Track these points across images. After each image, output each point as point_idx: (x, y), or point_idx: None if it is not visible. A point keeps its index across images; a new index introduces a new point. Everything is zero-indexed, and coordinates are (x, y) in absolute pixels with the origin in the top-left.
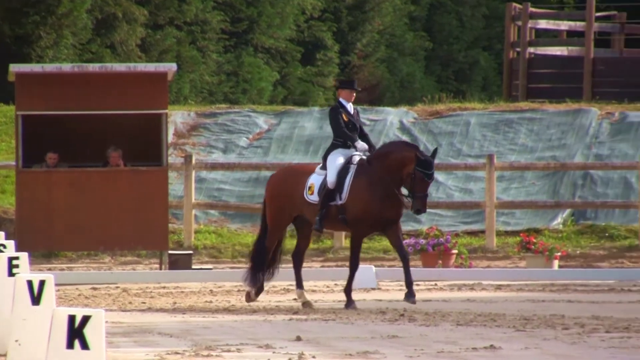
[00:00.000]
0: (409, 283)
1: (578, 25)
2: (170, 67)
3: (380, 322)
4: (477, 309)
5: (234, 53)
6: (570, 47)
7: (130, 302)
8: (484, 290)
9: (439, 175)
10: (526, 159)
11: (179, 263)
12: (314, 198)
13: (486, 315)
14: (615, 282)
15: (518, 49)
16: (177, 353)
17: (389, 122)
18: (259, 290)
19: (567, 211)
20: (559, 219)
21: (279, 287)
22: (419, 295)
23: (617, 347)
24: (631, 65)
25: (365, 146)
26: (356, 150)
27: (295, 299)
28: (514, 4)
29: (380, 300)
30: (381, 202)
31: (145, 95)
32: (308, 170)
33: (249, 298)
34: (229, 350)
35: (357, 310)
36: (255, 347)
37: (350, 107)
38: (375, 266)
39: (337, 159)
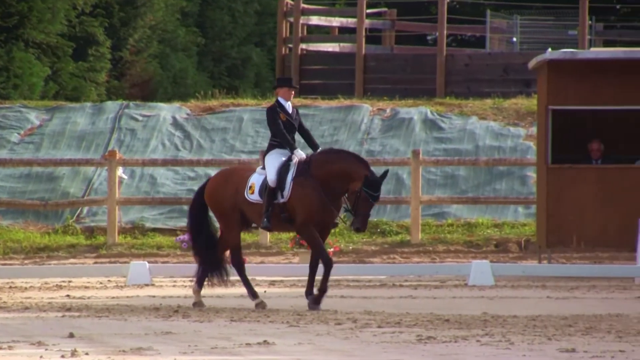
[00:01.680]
0: (323, 289)
1: (349, 21)
2: None
3: (154, 318)
4: (251, 305)
5: (5, 48)
6: (342, 44)
7: None
8: (257, 286)
9: (212, 171)
10: None
11: None
12: (254, 197)
13: (260, 311)
14: (387, 277)
15: (290, 45)
16: None
17: (162, 118)
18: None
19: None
20: None
21: (52, 284)
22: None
23: (389, 342)
24: (402, 61)
25: (304, 155)
26: (294, 160)
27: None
28: (286, 0)
29: (154, 296)
30: (322, 204)
31: None
32: (249, 171)
33: (199, 304)
34: (0, 348)
35: (321, 310)
36: (27, 344)
37: (288, 105)
38: (149, 262)
39: (277, 158)
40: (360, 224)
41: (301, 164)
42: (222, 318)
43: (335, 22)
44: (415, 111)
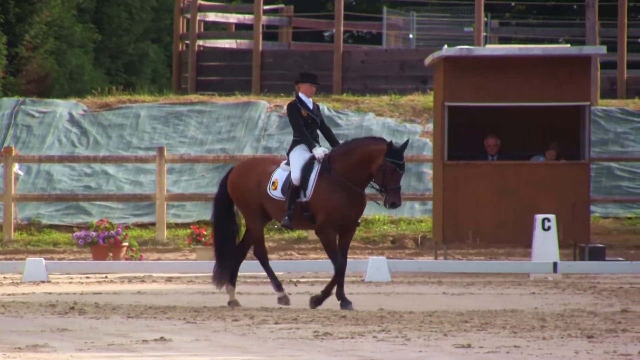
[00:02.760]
0: (326, 293)
1: (247, 18)
2: None
3: (50, 315)
4: (148, 302)
5: None
6: (239, 40)
7: None
8: (154, 283)
9: (109, 168)
10: (196, 151)
11: None
12: (277, 194)
13: (157, 307)
14: (284, 274)
15: (187, 42)
16: None
17: (59, 115)
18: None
19: None
20: None
21: None
22: (89, 288)
23: (286, 338)
24: (299, 58)
25: (322, 154)
26: (316, 159)
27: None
28: None
29: (51, 293)
30: (346, 201)
31: None
32: (273, 163)
33: (234, 303)
34: None
35: (353, 309)
36: None
37: (310, 102)
38: (45, 259)
39: (301, 155)
40: (395, 198)
41: (324, 161)
42: (118, 315)
43: (232, 18)
44: None
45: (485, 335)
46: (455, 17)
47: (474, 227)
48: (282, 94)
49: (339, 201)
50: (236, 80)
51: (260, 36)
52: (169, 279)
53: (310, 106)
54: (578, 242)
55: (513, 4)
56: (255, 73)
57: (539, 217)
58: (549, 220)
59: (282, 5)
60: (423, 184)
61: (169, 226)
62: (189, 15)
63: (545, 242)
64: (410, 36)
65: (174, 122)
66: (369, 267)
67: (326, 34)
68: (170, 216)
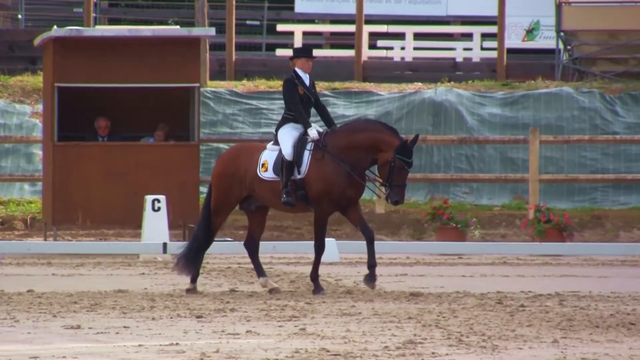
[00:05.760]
0: (371, 265)
1: None
2: None
3: None
4: None
5: None
6: None
7: None
8: None
9: None
10: None
11: None
12: (267, 175)
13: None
14: None
15: None
16: None
17: None
18: (195, 277)
19: None
20: None
21: None
22: None
23: None
24: None
25: (317, 135)
26: (309, 137)
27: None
28: None
29: None
30: (345, 180)
31: None
32: (259, 148)
33: (193, 291)
34: None
35: (326, 295)
36: None
37: (307, 78)
38: None
39: (291, 132)
40: (399, 197)
41: (319, 139)
42: None
43: None
44: None
45: (95, 316)
46: None
47: (84, 208)
48: None
49: (337, 178)
50: None
51: None
52: None
53: (307, 83)
54: (188, 223)
55: None
56: None
57: (149, 197)
58: (159, 201)
59: None
60: (33, 165)
61: None
62: None
63: (156, 223)
64: (20, 16)
65: None
66: None
67: None
68: None
